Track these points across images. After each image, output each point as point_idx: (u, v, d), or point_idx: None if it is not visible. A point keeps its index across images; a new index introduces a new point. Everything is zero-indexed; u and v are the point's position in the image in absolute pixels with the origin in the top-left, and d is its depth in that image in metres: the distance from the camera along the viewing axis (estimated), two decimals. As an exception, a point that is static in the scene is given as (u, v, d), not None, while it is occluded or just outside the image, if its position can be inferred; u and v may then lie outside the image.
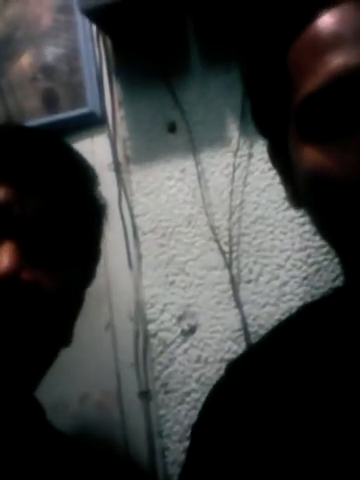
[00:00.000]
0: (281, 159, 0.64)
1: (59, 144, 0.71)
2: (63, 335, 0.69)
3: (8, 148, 0.65)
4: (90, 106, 1.07)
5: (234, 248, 0.96)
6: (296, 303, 0.91)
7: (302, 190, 0.60)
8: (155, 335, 0.98)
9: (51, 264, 0.64)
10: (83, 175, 0.72)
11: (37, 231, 0.63)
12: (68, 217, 0.66)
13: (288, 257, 0.94)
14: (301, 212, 0.90)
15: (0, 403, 0.62)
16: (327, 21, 0.55)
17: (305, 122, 0.56)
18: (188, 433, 0.92)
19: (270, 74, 0.60)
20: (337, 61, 0.53)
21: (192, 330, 0.97)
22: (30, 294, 0.61)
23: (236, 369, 0.68)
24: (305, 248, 0.93)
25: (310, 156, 0.55)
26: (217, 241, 0.97)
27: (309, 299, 0.90)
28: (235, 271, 0.96)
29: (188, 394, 0.95)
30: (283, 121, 0.59)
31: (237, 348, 0.94)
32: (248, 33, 0.67)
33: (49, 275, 0.63)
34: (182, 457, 0.91)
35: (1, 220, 0.62)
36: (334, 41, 0.54)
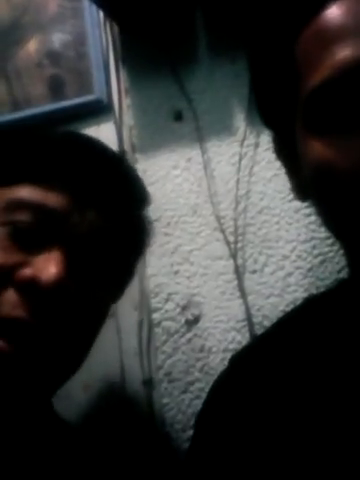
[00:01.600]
0: (287, 151, 0.64)
1: (123, 163, 0.73)
2: (89, 348, 0.69)
3: (73, 158, 0.65)
4: (96, 93, 1.07)
5: (239, 238, 0.96)
6: (301, 294, 0.91)
7: (308, 182, 0.60)
8: (159, 324, 0.98)
9: (96, 276, 0.64)
10: (140, 197, 0.73)
11: (88, 243, 0.63)
12: (120, 235, 0.67)
13: (293, 248, 0.93)
14: (307, 203, 0.90)
15: (20, 404, 0.63)
16: (334, 12, 0.54)
17: (312, 114, 0.55)
18: (191, 422, 0.92)
19: (277, 66, 0.60)
20: (344, 53, 0.52)
21: (196, 320, 0.97)
22: (73, 303, 0.61)
23: (240, 360, 0.68)
24: (310, 239, 0.93)
25: (316, 149, 0.55)
26: (222, 231, 0.97)
27: (314, 290, 0.90)
28: (240, 261, 0.95)
29: (191, 383, 0.95)
30: (289, 113, 0.59)
31: (241, 338, 0.94)
32: (255, 24, 0.66)
33: (91, 286, 0.64)
34: (185, 446, 0.92)
35: (55, 227, 0.62)
36: (341, 33, 0.53)
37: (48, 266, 0.59)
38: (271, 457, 0.56)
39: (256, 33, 0.64)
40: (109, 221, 0.65)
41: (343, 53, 0.52)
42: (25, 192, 0.62)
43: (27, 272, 0.59)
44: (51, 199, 0.62)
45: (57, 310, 0.60)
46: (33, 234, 0.61)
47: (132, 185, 0.72)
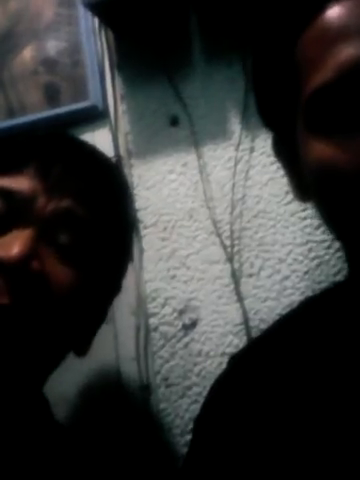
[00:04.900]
0: (286, 151, 0.63)
1: (99, 157, 0.74)
2: (73, 337, 0.69)
3: (43, 147, 0.69)
4: (92, 99, 1.07)
5: (236, 242, 0.96)
6: (297, 297, 0.91)
7: (309, 182, 0.60)
8: (156, 329, 0.98)
9: (72, 261, 0.65)
10: (118, 189, 0.75)
11: (61, 224, 0.65)
12: (97, 222, 0.68)
13: (289, 251, 0.94)
14: (303, 206, 0.90)
15: (5, 395, 0.63)
16: (336, 13, 0.54)
17: (314, 115, 0.55)
18: (189, 427, 0.92)
19: (278, 67, 0.59)
20: (346, 53, 0.52)
21: (193, 324, 0.97)
22: (36, 283, 0.61)
23: (239, 362, 0.68)
24: (306, 242, 0.93)
25: (318, 149, 0.55)
26: (219, 235, 0.97)
27: (310, 293, 0.89)
28: (236, 265, 0.96)
29: (189, 388, 0.95)
30: (290, 113, 0.59)
31: (238, 342, 0.94)
32: (255, 25, 0.66)
33: (65, 271, 0.64)
34: (183, 451, 0.92)
35: (23, 209, 0.64)
36: (343, 33, 0.53)
37: (12, 244, 0.60)
38: (271, 459, 0.56)
39: (257, 33, 0.64)
40: (89, 211, 0.67)
41: (346, 53, 0.52)
42: None
43: None
44: (18, 184, 0.65)
45: (21, 288, 0.60)
46: (4, 218, 0.64)
47: (108, 176, 0.73)
